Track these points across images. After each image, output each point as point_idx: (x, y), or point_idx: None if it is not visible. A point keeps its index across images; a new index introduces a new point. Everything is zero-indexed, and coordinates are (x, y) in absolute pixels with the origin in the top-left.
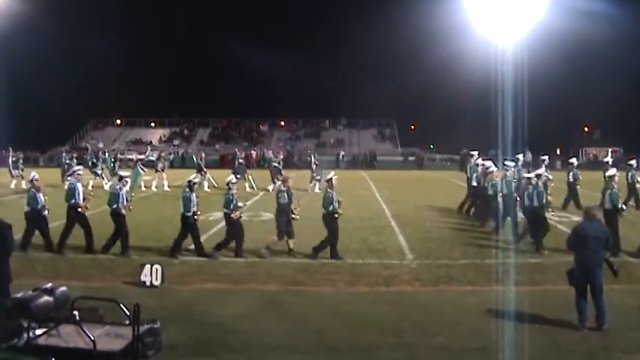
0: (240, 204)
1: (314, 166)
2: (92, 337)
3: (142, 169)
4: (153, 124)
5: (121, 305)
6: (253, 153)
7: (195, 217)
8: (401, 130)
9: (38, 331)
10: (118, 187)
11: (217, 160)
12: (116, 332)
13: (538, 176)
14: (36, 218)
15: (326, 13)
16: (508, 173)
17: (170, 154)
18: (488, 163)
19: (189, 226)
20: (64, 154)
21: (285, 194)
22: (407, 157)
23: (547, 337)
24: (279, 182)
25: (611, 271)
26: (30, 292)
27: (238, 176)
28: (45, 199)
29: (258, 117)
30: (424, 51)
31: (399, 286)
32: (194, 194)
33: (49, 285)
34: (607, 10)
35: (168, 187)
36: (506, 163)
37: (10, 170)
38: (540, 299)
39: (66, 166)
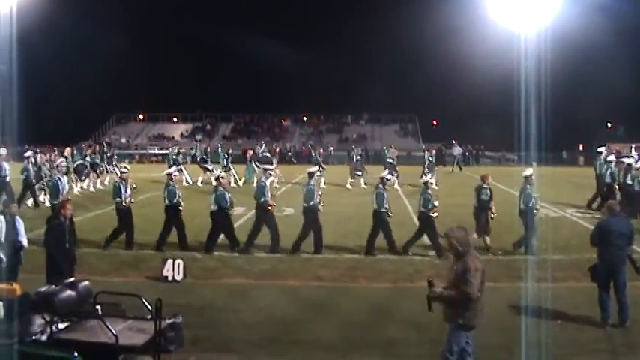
0: (436, 202)
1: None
2: (115, 332)
3: (257, 166)
4: (175, 119)
5: (143, 300)
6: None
7: (390, 214)
8: (422, 125)
9: (61, 325)
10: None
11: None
12: (138, 326)
13: None
14: (224, 218)
15: (348, 9)
16: None
17: (191, 149)
18: (630, 160)
19: (382, 222)
20: (170, 148)
21: (488, 191)
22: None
23: (569, 334)
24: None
25: (634, 268)
26: (53, 287)
27: (359, 173)
28: (231, 197)
29: (281, 112)
30: (445, 46)
31: (421, 282)
32: (387, 191)
33: (72, 279)
34: (630, 4)
35: (278, 183)
36: None
37: (105, 167)
38: (563, 296)
39: (172, 162)
